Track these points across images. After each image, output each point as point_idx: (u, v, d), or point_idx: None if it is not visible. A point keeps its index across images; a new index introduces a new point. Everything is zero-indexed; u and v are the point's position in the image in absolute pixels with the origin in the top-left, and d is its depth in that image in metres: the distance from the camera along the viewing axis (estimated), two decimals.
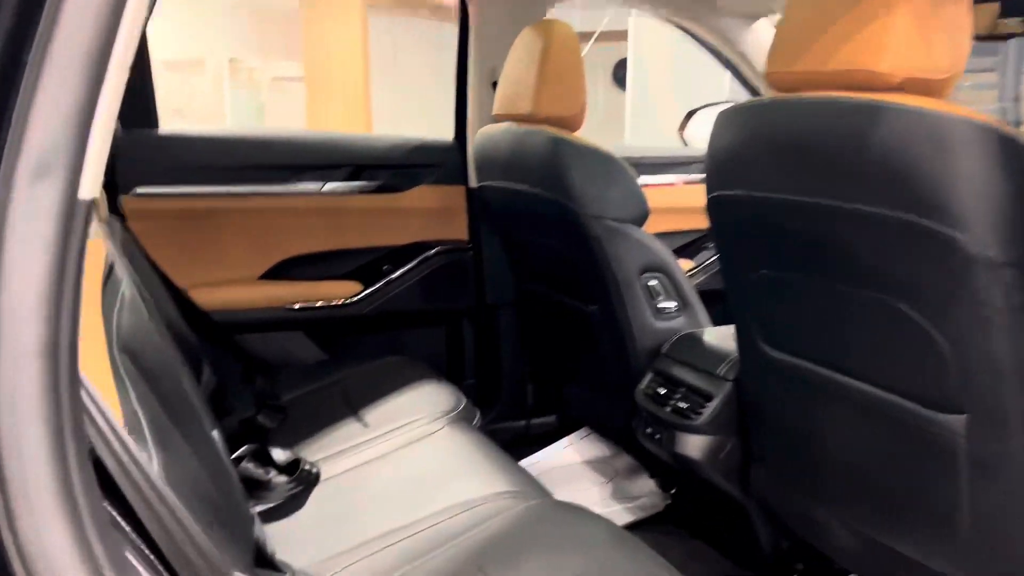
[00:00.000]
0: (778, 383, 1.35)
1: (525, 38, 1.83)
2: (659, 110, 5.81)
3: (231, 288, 2.03)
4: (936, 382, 1.04)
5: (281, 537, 1.31)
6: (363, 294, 2.13)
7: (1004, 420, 0.99)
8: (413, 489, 1.40)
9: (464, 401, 1.73)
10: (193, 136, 2.03)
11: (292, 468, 1.48)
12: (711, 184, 1.31)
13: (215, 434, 1.31)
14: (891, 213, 0.99)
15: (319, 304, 2.11)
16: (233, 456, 1.48)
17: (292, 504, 1.41)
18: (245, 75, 10.60)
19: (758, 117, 1.18)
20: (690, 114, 2.85)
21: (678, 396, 1.62)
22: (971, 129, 0.91)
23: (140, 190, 1.90)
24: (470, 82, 2.21)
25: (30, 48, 0.42)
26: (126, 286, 1.01)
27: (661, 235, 2.41)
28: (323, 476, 1.49)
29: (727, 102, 2.81)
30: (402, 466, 1.49)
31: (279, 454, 1.52)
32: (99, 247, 0.98)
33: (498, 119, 1.93)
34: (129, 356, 0.93)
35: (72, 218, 0.43)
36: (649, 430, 1.67)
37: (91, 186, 0.44)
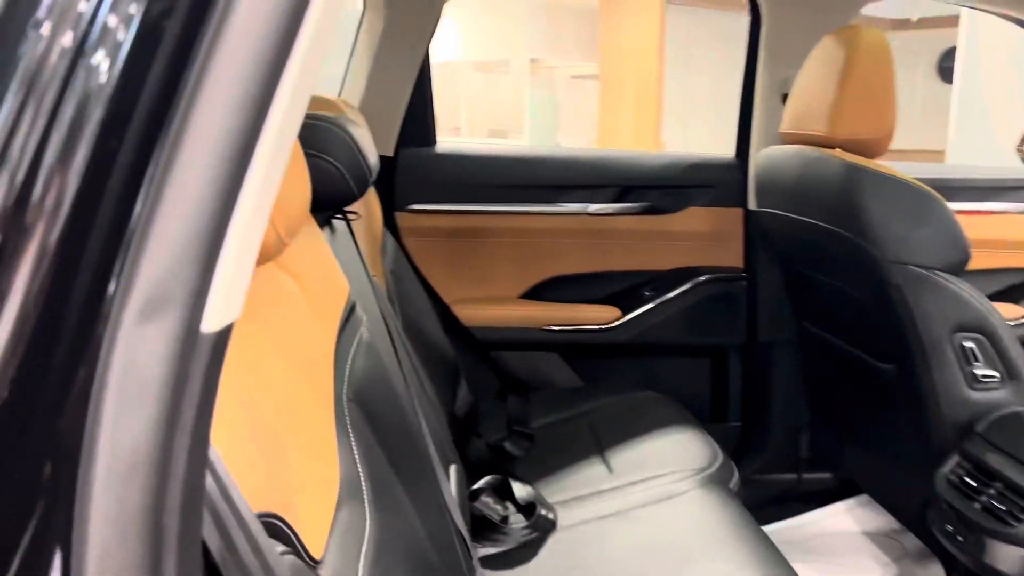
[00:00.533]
0: None
1: (825, 46, 1.58)
2: (993, 112, 4.99)
3: (492, 306, 2.03)
4: None
5: None
6: (622, 320, 2.02)
7: None
8: (650, 562, 1.26)
9: (721, 457, 1.55)
10: (466, 154, 2.06)
11: (530, 510, 1.42)
12: None
13: (452, 473, 1.28)
14: None
15: (576, 327, 2.03)
16: (473, 488, 1.46)
17: (523, 553, 1.34)
18: (545, 74, 11.06)
19: None
20: None
21: (992, 492, 1.30)
22: None
23: (414, 206, 1.96)
24: (757, 92, 1.99)
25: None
26: (365, 328, 1.00)
27: (979, 273, 2.01)
28: (560, 523, 1.41)
29: None
30: (643, 529, 1.36)
31: (520, 490, 1.47)
32: (340, 288, 0.97)
33: (786, 139, 1.70)
34: (359, 405, 0.91)
35: (190, 357, 0.35)
36: (950, 527, 1.37)
37: (218, 317, 0.36)
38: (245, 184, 0.36)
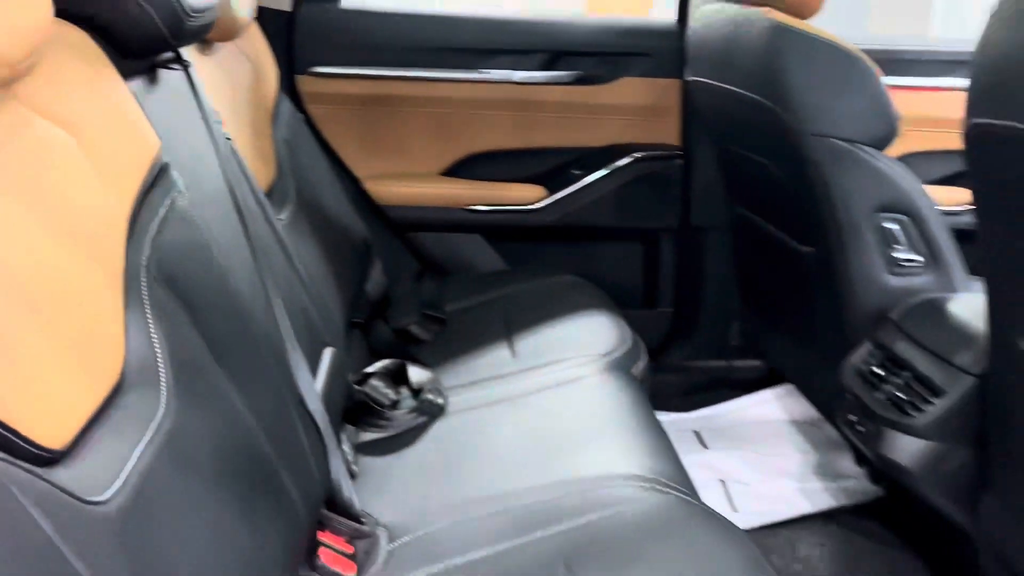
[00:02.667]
0: None
1: None
2: None
3: (409, 183, 1.91)
4: None
5: (380, 475, 1.20)
6: (549, 200, 1.90)
7: None
8: (533, 447, 1.20)
9: (629, 342, 1.47)
10: (378, 11, 1.88)
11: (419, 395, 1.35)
12: (973, 103, 0.89)
13: (327, 356, 1.20)
14: None
15: (500, 208, 1.92)
16: (365, 371, 1.39)
17: (404, 438, 1.28)
18: None
19: None
20: None
21: (898, 382, 1.23)
22: None
23: (318, 69, 1.80)
24: None
25: None
26: (181, 195, 0.88)
27: (914, 156, 1.87)
28: (451, 409, 1.35)
29: None
30: (531, 415, 1.29)
31: (416, 375, 1.40)
32: (143, 147, 0.84)
33: None
34: (167, 282, 0.80)
35: None
36: (852, 416, 1.31)
37: None
38: None
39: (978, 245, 1.00)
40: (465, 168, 1.93)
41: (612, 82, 1.88)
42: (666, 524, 0.98)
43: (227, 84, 1.32)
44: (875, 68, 1.29)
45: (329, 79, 1.81)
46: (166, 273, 0.81)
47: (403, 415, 1.31)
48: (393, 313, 1.68)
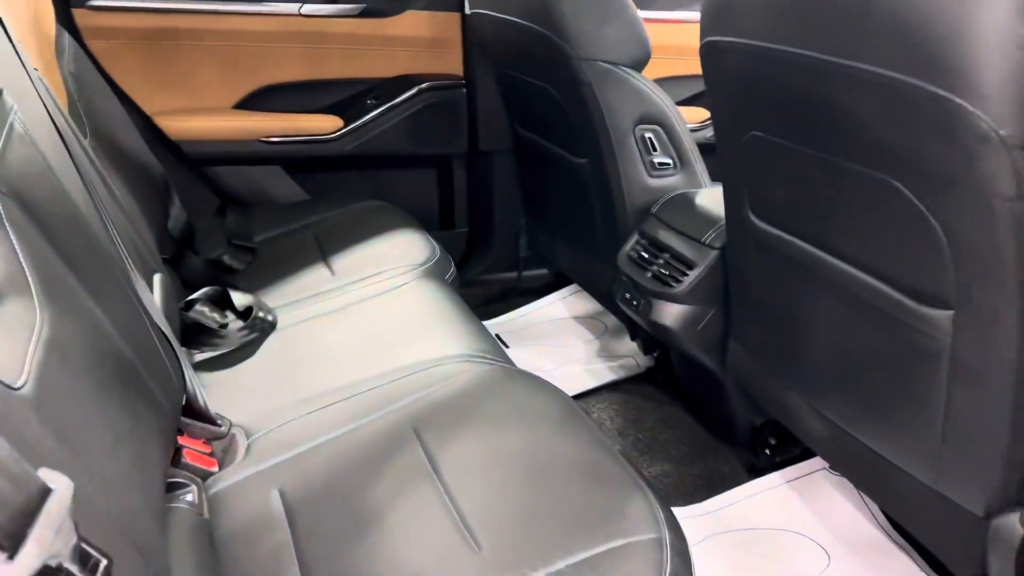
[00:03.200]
0: (763, 258, 1.23)
1: None
2: None
3: (202, 117, 1.90)
4: (927, 273, 0.92)
5: (227, 386, 1.27)
6: (345, 130, 1.99)
7: (994, 321, 0.87)
8: (368, 346, 1.33)
9: (438, 254, 1.64)
10: None
11: (248, 315, 1.42)
12: (704, 26, 1.13)
13: (156, 282, 1.24)
14: (895, 75, 0.82)
15: (298, 138, 1.98)
16: (188, 299, 1.43)
17: (243, 352, 1.36)
18: None
19: None
20: None
21: (660, 262, 1.50)
22: None
23: (95, 2, 1.74)
24: None
25: None
26: (18, 118, 0.90)
27: (666, 80, 2.21)
28: (280, 325, 1.44)
29: None
30: (361, 320, 1.42)
31: (240, 298, 1.46)
32: None
33: None
34: (16, 199, 0.83)
35: None
36: (628, 295, 1.58)
37: None
38: None
39: (716, 138, 1.26)
40: (258, 101, 1.96)
41: (397, 15, 1.98)
42: (495, 386, 1.16)
43: (7, 15, 1.27)
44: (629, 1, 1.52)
45: (107, 12, 1.76)
46: (15, 191, 0.84)
47: (235, 331, 1.38)
48: (201, 246, 1.70)
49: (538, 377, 1.20)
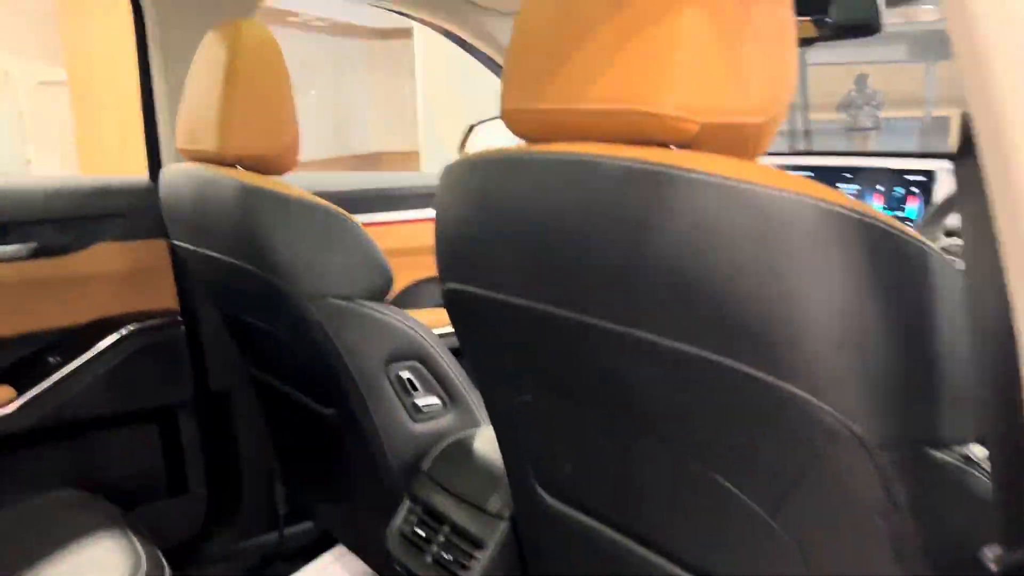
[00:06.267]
0: (561, 541, 0.94)
1: (207, 47, 1.32)
2: (451, 112, 5.42)
3: None
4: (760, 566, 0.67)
5: None
6: (20, 402, 1.53)
7: None
8: None
9: (143, 565, 1.20)
10: None
11: None
12: (442, 270, 0.88)
13: None
14: (690, 348, 0.59)
15: None
16: None
17: None
18: (2, 80, 9.40)
19: (492, 179, 0.75)
20: (471, 128, 2.43)
21: (441, 540, 1.18)
22: (818, 217, 0.53)
23: None
24: (157, 99, 1.66)
25: None
26: None
27: (428, 282, 1.98)
28: None
29: None
30: None
31: None
32: None
33: (184, 155, 1.40)
34: None
35: None
36: None
37: None
38: None
39: (480, 392, 0.99)
40: None
41: (84, 249, 1.60)
42: None
43: None
44: (353, 220, 1.26)
45: None
46: None
47: None
48: None
49: None
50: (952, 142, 0.53)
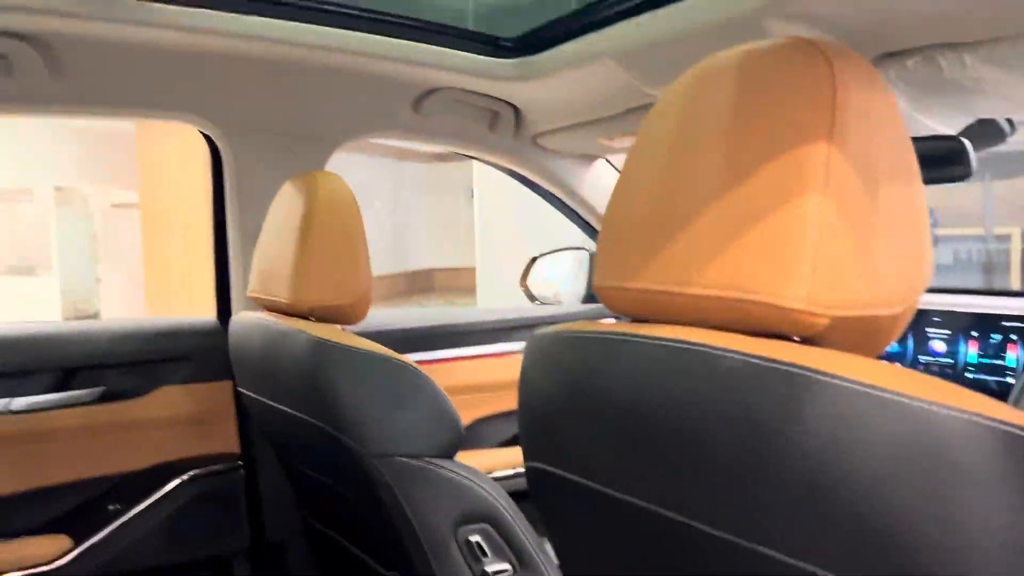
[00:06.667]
0: None
1: (284, 196, 1.33)
2: (511, 234, 5.50)
3: None
4: None
5: None
6: (75, 553, 1.48)
7: None
8: None
9: None
10: None
11: None
12: (527, 447, 0.81)
13: None
14: (815, 570, 0.52)
15: (11, 573, 1.44)
16: None
17: None
18: (78, 202, 10.00)
19: (590, 357, 0.70)
20: (533, 260, 2.42)
21: None
22: (996, 440, 0.46)
23: None
24: (231, 245, 1.68)
25: None
26: None
27: (496, 417, 1.90)
28: None
29: (580, 248, 2.41)
30: None
31: None
32: None
33: (256, 304, 1.39)
34: None
35: None
36: None
37: None
38: None
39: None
40: None
41: (148, 394, 1.59)
42: None
43: None
44: (424, 374, 1.21)
45: None
46: None
47: None
48: None
49: None
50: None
